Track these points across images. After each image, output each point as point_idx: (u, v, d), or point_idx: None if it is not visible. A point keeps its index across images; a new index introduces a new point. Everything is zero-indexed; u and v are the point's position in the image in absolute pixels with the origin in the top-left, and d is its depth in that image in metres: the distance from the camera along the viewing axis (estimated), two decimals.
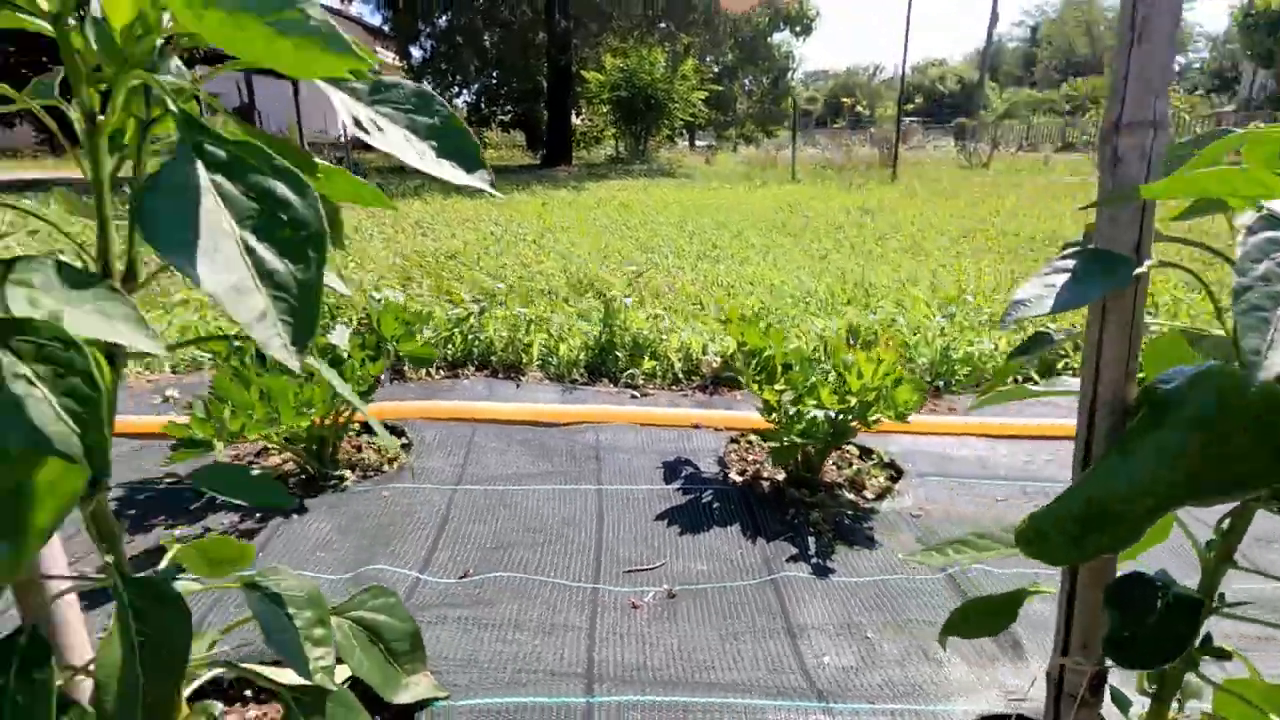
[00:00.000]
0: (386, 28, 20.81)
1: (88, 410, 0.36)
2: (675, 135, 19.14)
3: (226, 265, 0.36)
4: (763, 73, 30.92)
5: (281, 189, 0.41)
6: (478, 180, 0.53)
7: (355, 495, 1.18)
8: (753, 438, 1.28)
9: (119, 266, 0.52)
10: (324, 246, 0.40)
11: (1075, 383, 0.53)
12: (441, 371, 1.73)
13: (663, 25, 13.96)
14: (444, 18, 14.71)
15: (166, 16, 0.48)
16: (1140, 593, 0.48)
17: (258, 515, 1.10)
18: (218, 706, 0.68)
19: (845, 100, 54.64)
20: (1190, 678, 0.53)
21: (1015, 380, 1.65)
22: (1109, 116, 0.50)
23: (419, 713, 0.74)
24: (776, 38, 30.44)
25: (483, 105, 25.57)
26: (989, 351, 1.70)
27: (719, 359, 1.59)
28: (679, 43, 14.63)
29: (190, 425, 1.04)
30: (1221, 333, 0.50)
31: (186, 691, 0.62)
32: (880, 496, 1.10)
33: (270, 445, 1.25)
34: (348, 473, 1.23)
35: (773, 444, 1.10)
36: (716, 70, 18.69)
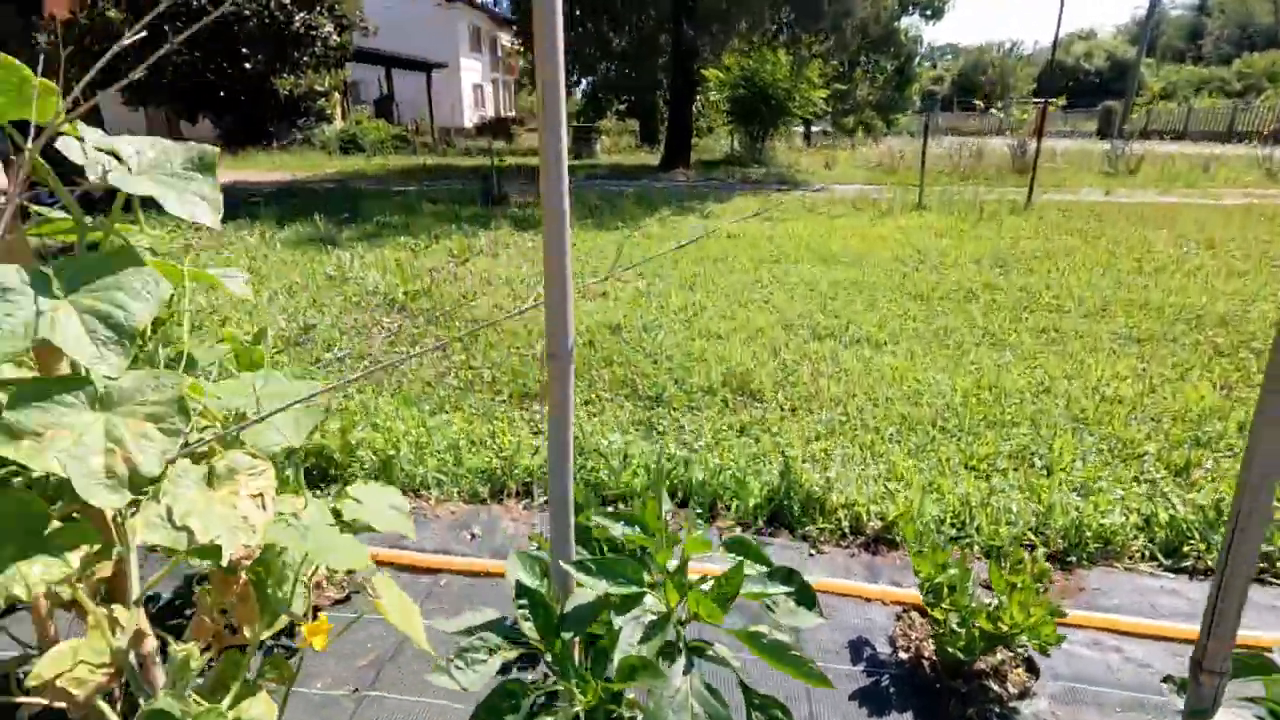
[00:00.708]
0: (513, 15, 21.57)
1: None
2: (792, 134, 18.91)
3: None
4: (888, 59, 29.62)
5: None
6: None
7: None
8: (915, 615, 1.62)
9: None
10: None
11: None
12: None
13: (789, 30, 13.85)
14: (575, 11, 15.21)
15: None
16: None
17: None
18: None
19: (980, 78, 51.11)
20: None
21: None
22: None
23: None
24: (904, 21, 29.05)
25: (599, 94, 26.26)
26: (1121, 525, 1.93)
27: (881, 521, 1.93)
28: (803, 46, 14.45)
29: None
30: None
31: None
32: (1022, 695, 1.42)
33: None
34: None
35: (937, 645, 1.45)
36: (842, 69, 18.25)
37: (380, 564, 1.77)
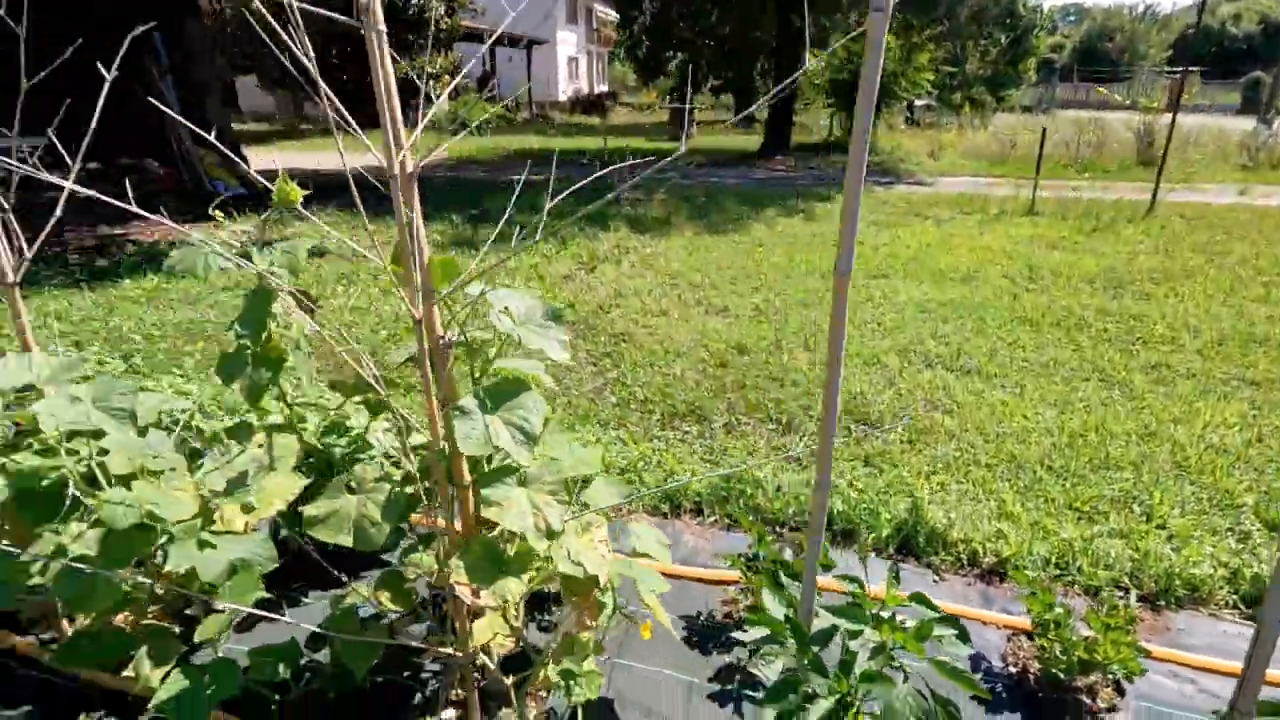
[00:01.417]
0: None
1: None
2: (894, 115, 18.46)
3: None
4: (1002, 30, 28.01)
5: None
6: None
7: None
8: (1022, 638, 2.05)
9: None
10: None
11: None
12: None
13: (899, 16, 13.56)
14: None
15: None
16: None
17: None
18: None
19: (1106, 45, 47.23)
20: None
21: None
22: None
23: None
24: None
25: (695, 71, 26.23)
26: (1209, 576, 2.26)
27: (996, 557, 2.35)
28: (915, 32, 14.12)
29: None
30: None
31: None
32: (1109, 709, 1.83)
33: None
34: None
35: (1041, 665, 1.88)
36: (954, 51, 17.60)
37: None
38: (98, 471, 1.54)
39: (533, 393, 1.53)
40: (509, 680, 1.74)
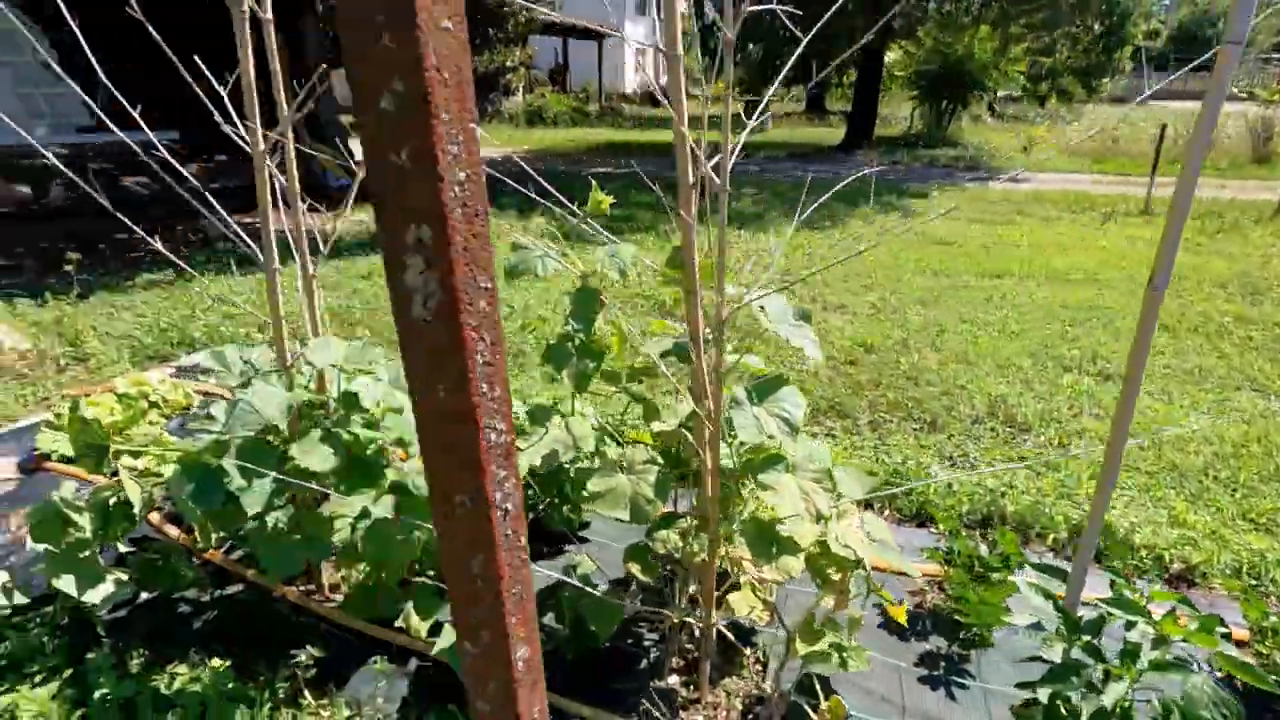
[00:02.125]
0: None
1: None
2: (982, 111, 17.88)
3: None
4: (1094, 19, 26.71)
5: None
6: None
7: None
8: None
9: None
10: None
11: None
12: None
13: (998, 5, 13.14)
14: None
15: None
16: None
17: None
18: None
19: (1207, 31, 44.29)
20: None
21: None
22: None
23: None
24: None
25: (768, 62, 26.08)
26: None
27: (1184, 564, 2.36)
28: (1011, 22, 13.64)
29: None
30: None
31: None
32: None
33: None
34: None
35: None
36: (1048, 42, 16.91)
37: None
38: (398, 444, 1.75)
39: (792, 387, 1.66)
40: (748, 652, 1.88)
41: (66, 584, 1.75)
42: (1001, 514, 2.61)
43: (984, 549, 2.16)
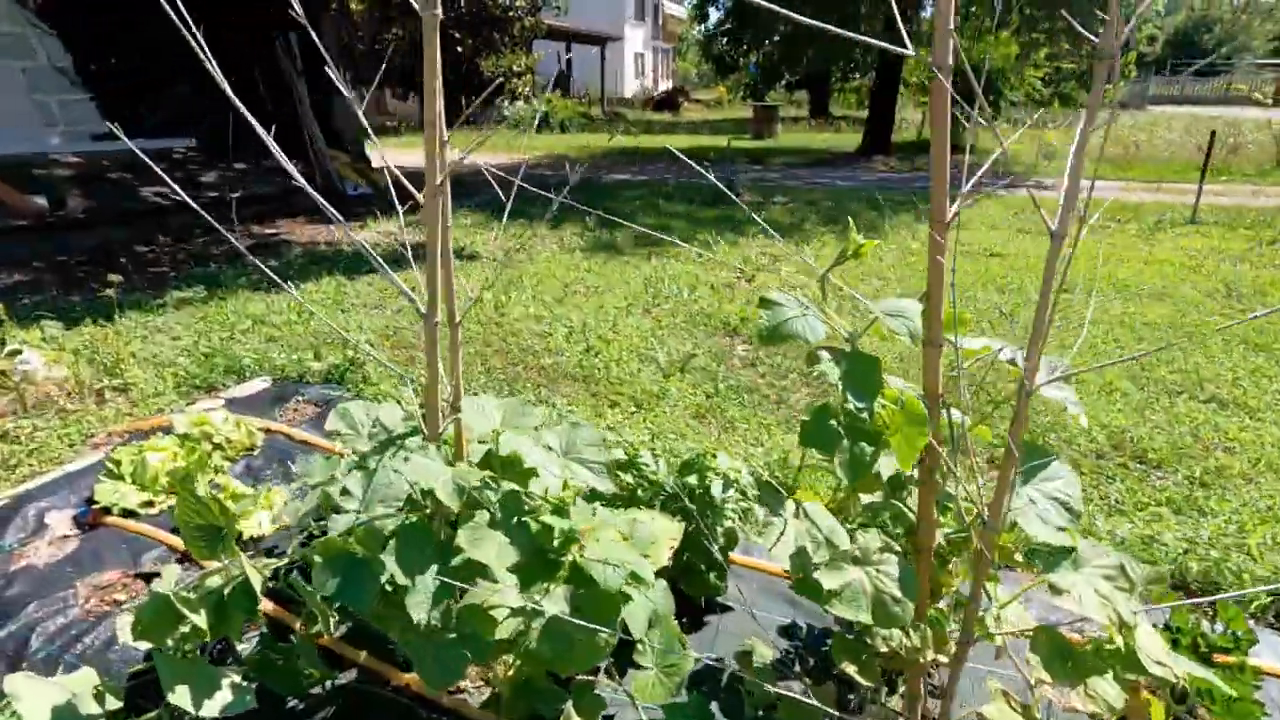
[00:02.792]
0: None
1: None
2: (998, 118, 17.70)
3: None
4: (1099, 24, 26.76)
5: None
6: None
7: None
8: None
9: None
10: None
11: None
12: None
13: (1025, 13, 12.97)
14: None
15: None
16: None
17: None
18: None
19: (1203, 36, 44.57)
20: None
21: None
22: None
23: None
24: None
25: (771, 66, 26.06)
26: None
27: None
28: (1039, 29, 13.49)
29: None
30: None
31: None
32: None
33: None
34: None
35: None
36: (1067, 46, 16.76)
37: None
38: (582, 528, 1.47)
39: (1061, 461, 1.40)
40: None
41: (181, 697, 1.47)
42: (1184, 575, 2.35)
43: (1205, 625, 1.90)
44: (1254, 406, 3.69)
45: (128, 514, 2.56)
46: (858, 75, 26.09)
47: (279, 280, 1.77)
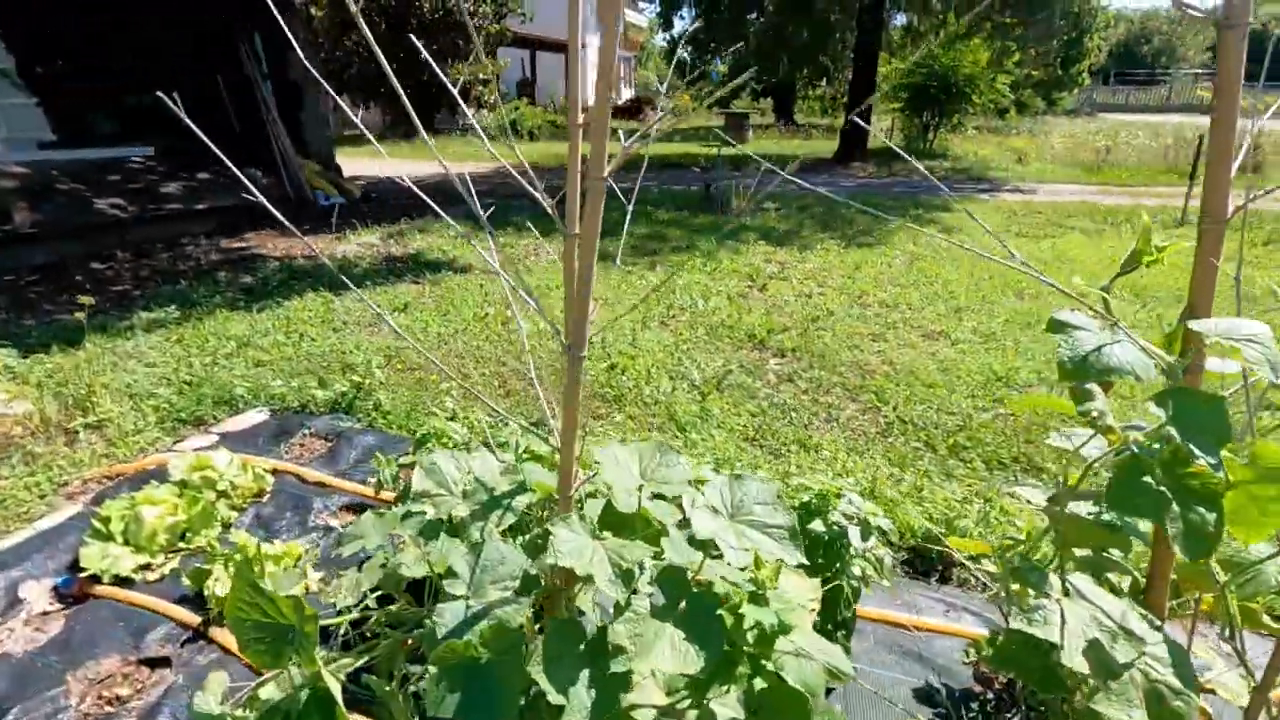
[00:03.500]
0: None
1: None
2: (974, 116, 17.98)
3: None
4: (1054, 36, 27.66)
5: None
6: None
7: None
8: None
9: None
10: None
11: None
12: None
13: (999, 17, 13.14)
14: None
15: None
16: None
17: None
18: None
19: (1142, 48, 46.51)
20: None
21: None
22: None
23: None
24: None
25: (739, 73, 26.25)
26: None
27: None
28: (1012, 34, 13.69)
29: None
30: None
31: None
32: None
33: None
34: None
35: None
36: (1035, 53, 17.13)
37: None
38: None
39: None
40: None
41: None
42: None
43: None
44: None
45: (121, 582, 2.15)
46: (825, 83, 26.42)
47: (351, 285, 1.42)
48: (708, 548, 1.19)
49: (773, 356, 4.35)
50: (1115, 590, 1.34)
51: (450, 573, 1.23)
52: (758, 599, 1.11)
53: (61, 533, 2.38)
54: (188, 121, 1.12)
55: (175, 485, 2.44)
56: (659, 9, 25.93)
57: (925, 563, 2.39)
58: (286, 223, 1.41)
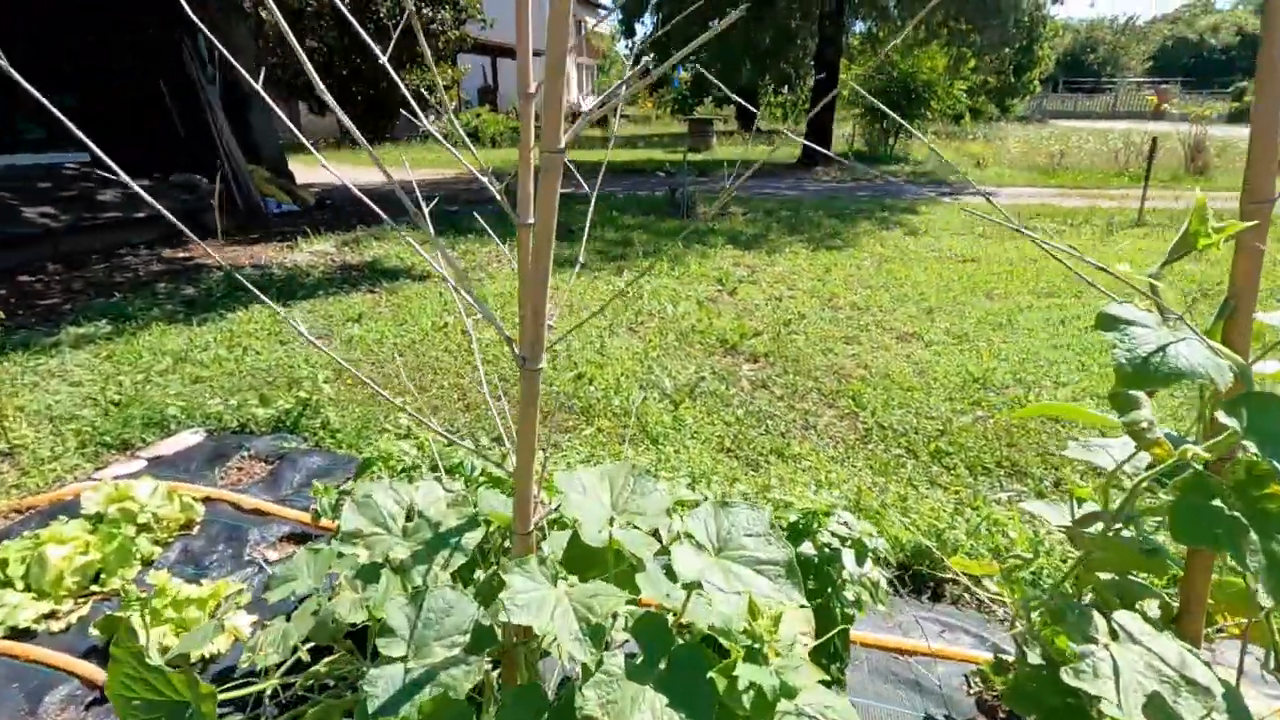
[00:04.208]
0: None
1: None
2: (931, 122, 18.26)
3: None
4: (1007, 44, 28.40)
5: None
6: None
7: None
8: None
9: None
10: None
11: None
12: None
13: (955, 24, 13.35)
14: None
15: None
16: None
17: None
18: None
19: (1088, 57, 48.20)
20: None
21: None
22: None
23: None
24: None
25: (701, 80, 26.50)
26: None
27: None
28: (965, 38, 13.92)
29: None
30: None
31: None
32: None
33: None
34: None
35: None
36: (989, 59, 17.46)
37: None
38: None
39: None
40: None
41: None
42: None
43: None
44: None
45: (20, 634, 1.88)
46: (787, 90, 26.64)
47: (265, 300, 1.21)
48: (692, 589, 1.01)
49: (745, 362, 4.21)
50: (1147, 618, 1.20)
51: (386, 629, 1.03)
52: (754, 656, 0.94)
53: None
54: (75, 137, 0.90)
55: (89, 519, 2.17)
56: (620, 17, 25.93)
57: (916, 579, 2.24)
58: (186, 239, 1.19)
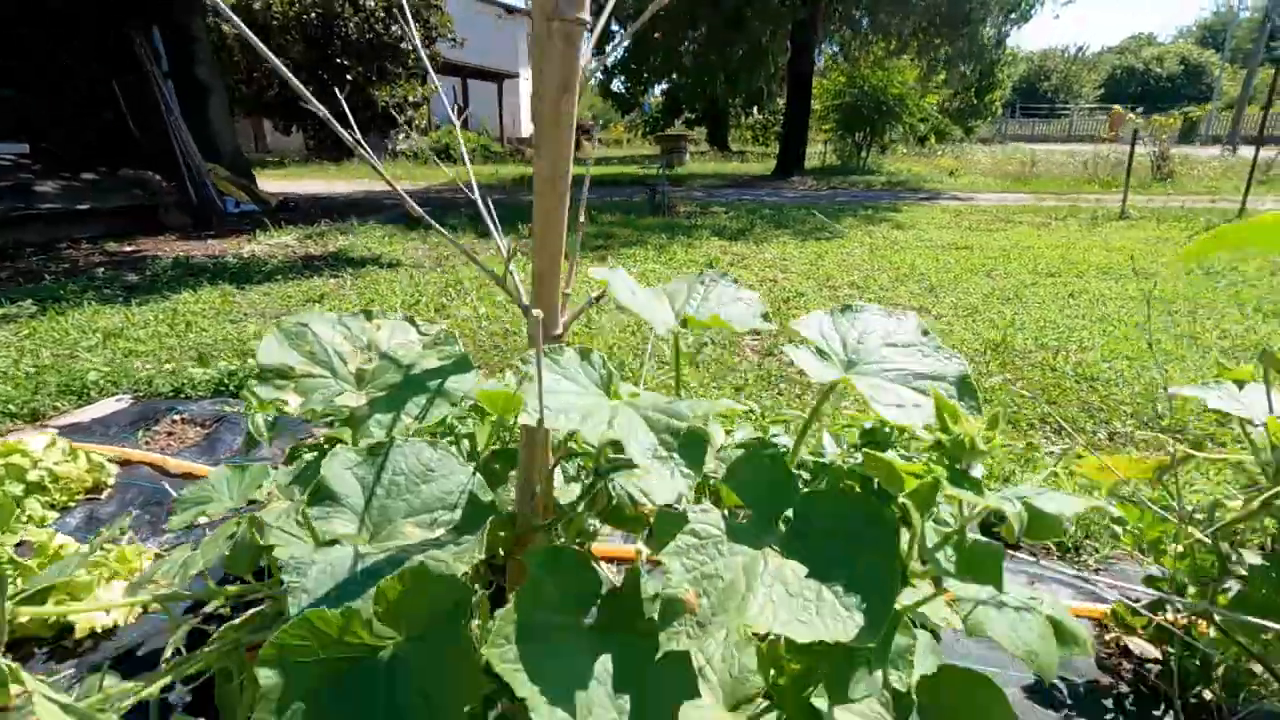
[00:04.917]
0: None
1: None
2: (899, 141, 18.49)
3: None
4: (972, 64, 29.17)
5: None
6: None
7: None
8: None
9: None
10: None
11: None
12: None
13: (925, 35, 13.49)
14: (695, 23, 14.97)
15: None
16: None
17: None
18: None
19: (1043, 84, 49.99)
20: None
21: None
22: None
23: None
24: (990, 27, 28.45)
25: (674, 101, 26.88)
26: None
27: None
28: (938, 52, 14.08)
29: None
30: None
31: None
32: None
33: None
34: None
35: None
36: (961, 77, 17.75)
37: None
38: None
39: None
40: None
41: None
42: None
43: None
44: None
45: None
46: (756, 110, 26.90)
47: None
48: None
49: (747, 334, 3.87)
50: None
51: (325, 493, 0.64)
52: (959, 477, 0.57)
53: None
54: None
55: None
56: (592, 40, 26.02)
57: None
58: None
